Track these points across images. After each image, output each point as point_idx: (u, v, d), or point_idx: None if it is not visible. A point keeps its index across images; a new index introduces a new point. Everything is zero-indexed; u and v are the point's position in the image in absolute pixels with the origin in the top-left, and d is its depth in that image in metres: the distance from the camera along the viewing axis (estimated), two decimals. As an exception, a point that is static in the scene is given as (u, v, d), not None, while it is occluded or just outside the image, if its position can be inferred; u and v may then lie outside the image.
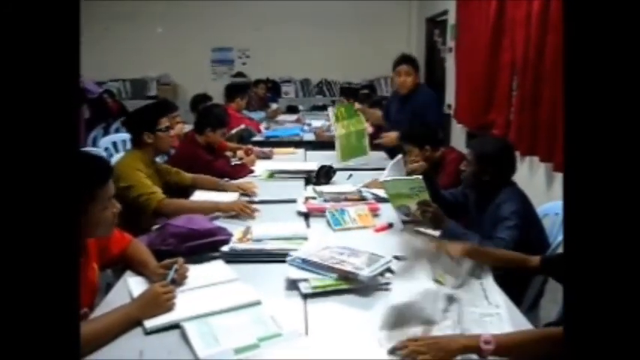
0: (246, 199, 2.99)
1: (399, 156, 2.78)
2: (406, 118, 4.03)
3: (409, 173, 2.96)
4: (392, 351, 1.49)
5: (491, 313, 1.67)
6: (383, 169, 3.72)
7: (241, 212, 2.68)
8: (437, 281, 1.81)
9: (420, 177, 2.46)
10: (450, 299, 1.72)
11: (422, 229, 2.46)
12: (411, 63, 4.12)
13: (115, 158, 4.24)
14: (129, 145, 5.31)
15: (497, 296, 1.77)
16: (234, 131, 4.88)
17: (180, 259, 1.92)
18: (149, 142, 2.89)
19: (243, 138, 4.92)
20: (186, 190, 3.19)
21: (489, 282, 1.85)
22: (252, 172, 3.73)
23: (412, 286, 1.71)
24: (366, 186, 3.13)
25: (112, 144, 5.50)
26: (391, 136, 3.97)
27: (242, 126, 5.10)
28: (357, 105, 4.24)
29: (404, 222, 2.52)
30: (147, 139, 2.89)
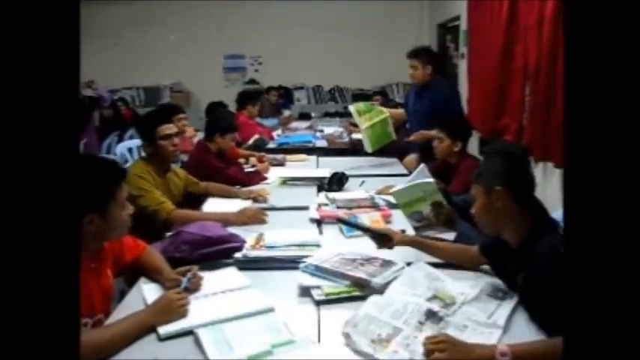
0: (258, 205, 3.00)
1: (422, 165, 2.77)
2: (424, 109, 4.08)
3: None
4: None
5: (482, 330, 1.61)
6: (395, 175, 3.73)
7: (252, 220, 2.67)
8: None
9: (433, 180, 2.46)
10: (432, 315, 1.68)
11: (432, 233, 2.45)
12: (417, 56, 4.15)
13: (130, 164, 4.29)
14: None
15: (502, 319, 1.66)
16: (250, 142, 4.91)
17: (195, 267, 1.93)
18: (149, 151, 2.87)
19: (258, 147, 4.93)
20: (199, 198, 3.21)
21: (508, 304, 1.75)
22: (265, 179, 3.74)
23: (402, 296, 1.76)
24: (379, 192, 3.12)
25: (127, 150, 5.55)
26: (424, 134, 3.90)
27: (256, 136, 5.13)
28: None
29: (415, 228, 2.51)
30: (147, 150, 2.87)
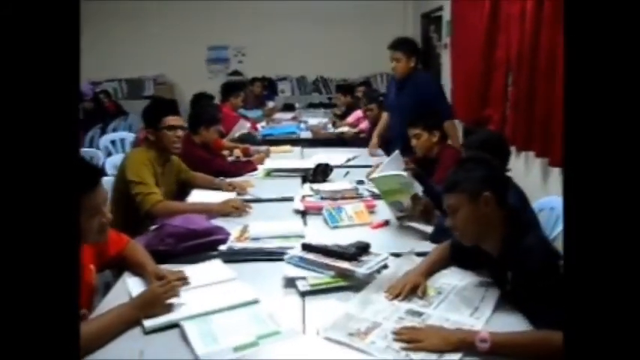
0: (243, 197, 3.00)
1: (397, 152, 2.76)
2: (405, 103, 3.96)
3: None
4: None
5: (464, 323, 1.61)
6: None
7: (234, 211, 2.70)
8: None
9: (406, 173, 2.47)
10: (412, 312, 1.70)
11: (414, 224, 2.48)
12: (401, 48, 4.00)
13: (116, 157, 4.30)
14: (128, 144, 5.36)
15: (488, 309, 1.69)
16: (236, 135, 4.91)
17: (183, 272, 1.92)
18: (152, 139, 2.87)
19: (245, 141, 4.92)
20: (184, 189, 3.21)
21: (492, 299, 1.75)
22: (255, 169, 3.75)
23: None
24: (369, 175, 3.12)
25: (110, 143, 5.52)
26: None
27: (245, 129, 5.11)
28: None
29: (398, 218, 2.52)
30: (150, 136, 2.88)
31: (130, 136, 5.57)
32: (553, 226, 2.59)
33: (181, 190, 3.18)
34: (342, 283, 1.86)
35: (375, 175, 2.54)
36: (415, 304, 1.75)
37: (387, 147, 4.36)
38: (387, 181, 2.48)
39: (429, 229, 2.38)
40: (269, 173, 3.65)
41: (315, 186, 3.07)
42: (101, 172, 1.78)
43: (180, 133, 2.91)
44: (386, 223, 2.54)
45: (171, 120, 2.87)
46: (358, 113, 5.68)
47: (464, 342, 1.46)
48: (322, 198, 2.89)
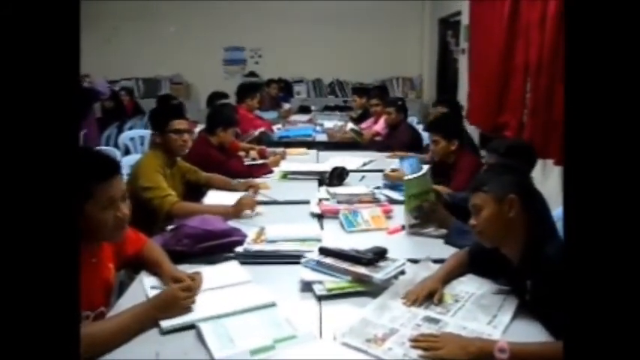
0: (260, 199, 3.01)
1: (428, 167, 2.76)
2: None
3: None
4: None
5: (482, 332, 1.60)
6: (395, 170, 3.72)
7: (247, 208, 2.71)
8: None
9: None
10: (430, 319, 1.69)
11: (425, 230, 2.48)
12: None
13: (131, 157, 4.31)
14: (147, 141, 5.40)
15: (506, 318, 1.67)
16: (256, 133, 4.92)
17: (201, 273, 1.91)
18: (159, 142, 2.91)
19: (262, 141, 4.93)
20: (199, 190, 3.22)
21: (510, 307, 1.73)
22: (270, 172, 3.75)
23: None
24: (386, 176, 3.22)
25: (130, 140, 5.55)
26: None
27: (262, 129, 5.13)
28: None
29: (411, 226, 2.49)
30: (156, 139, 2.92)
31: (149, 134, 5.61)
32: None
33: (195, 191, 3.19)
34: (359, 288, 1.85)
35: (410, 176, 2.51)
36: (432, 311, 1.73)
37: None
38: (420, 181, 2.47)
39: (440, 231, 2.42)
40: (285, 175, 3.65)
41: (332, 189, 3.06)
42: (118, 165, 1.74)
43: (186, 136, 2.95)
44: (402, 228, 2.53)
45: (178, 124, 2.92)
46: (370, 121, 5.67)
47: (482, 351, 1.45)
48: (339, 202, 2.88)
